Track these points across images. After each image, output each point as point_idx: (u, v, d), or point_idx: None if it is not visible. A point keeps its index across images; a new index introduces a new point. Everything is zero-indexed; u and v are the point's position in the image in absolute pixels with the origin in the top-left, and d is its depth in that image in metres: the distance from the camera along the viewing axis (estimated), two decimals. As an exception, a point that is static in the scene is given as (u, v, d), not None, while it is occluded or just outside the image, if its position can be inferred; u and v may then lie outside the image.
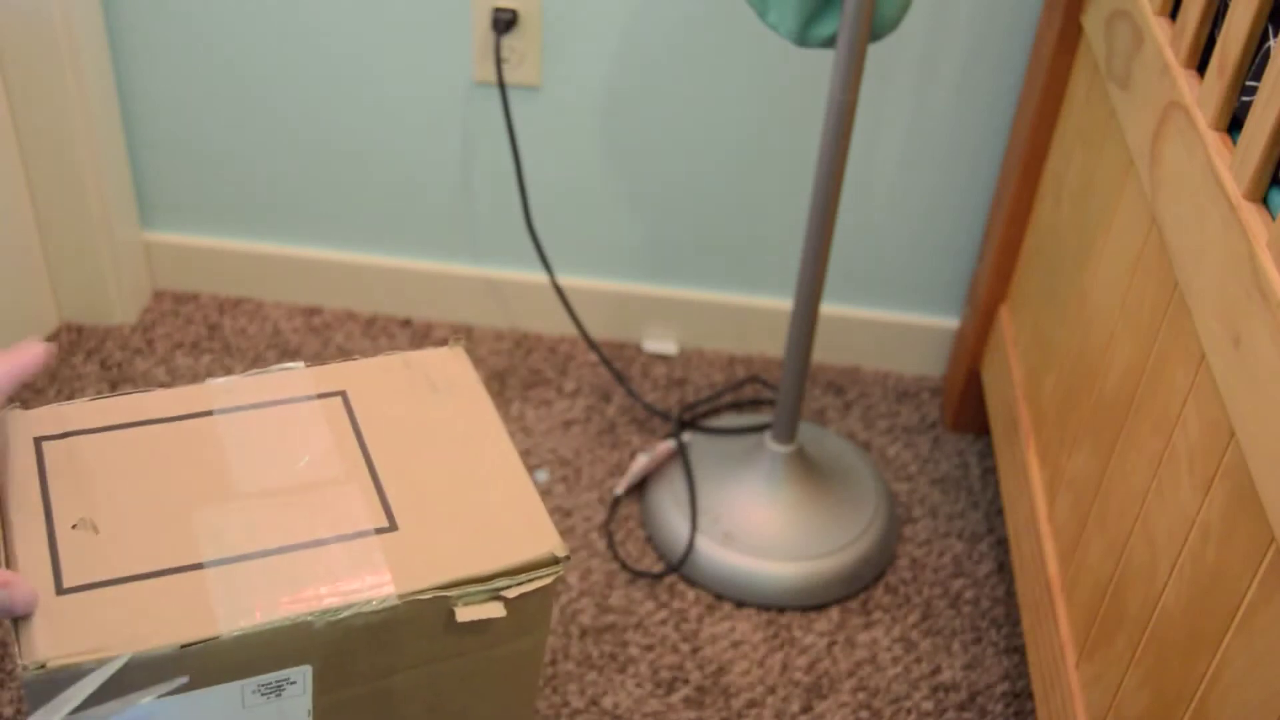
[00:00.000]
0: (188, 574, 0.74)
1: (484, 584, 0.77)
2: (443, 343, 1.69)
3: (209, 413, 0.85)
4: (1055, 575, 1.19)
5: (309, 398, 0.87)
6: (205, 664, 0.72)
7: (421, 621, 0.77)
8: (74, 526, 0.76)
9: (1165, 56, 1.02)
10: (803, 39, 1.18)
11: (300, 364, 0.90)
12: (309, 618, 0.73)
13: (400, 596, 0.75)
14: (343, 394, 0.88)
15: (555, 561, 0.79)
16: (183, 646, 0.71)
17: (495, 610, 0.77)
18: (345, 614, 0.74)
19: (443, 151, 1.60)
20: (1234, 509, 0.83)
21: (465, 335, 1.70)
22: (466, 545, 0.78)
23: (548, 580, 0.79)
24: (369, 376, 0.90)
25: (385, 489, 0.81)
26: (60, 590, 0.73)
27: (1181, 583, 0.90)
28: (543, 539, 0.79)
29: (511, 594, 0.77)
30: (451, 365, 0.91)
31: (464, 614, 0.77)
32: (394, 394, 0.88)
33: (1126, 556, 1.01)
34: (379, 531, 0.78)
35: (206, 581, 0.74)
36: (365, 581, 0.75)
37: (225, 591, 0.73)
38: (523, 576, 0.78)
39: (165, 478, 0.80)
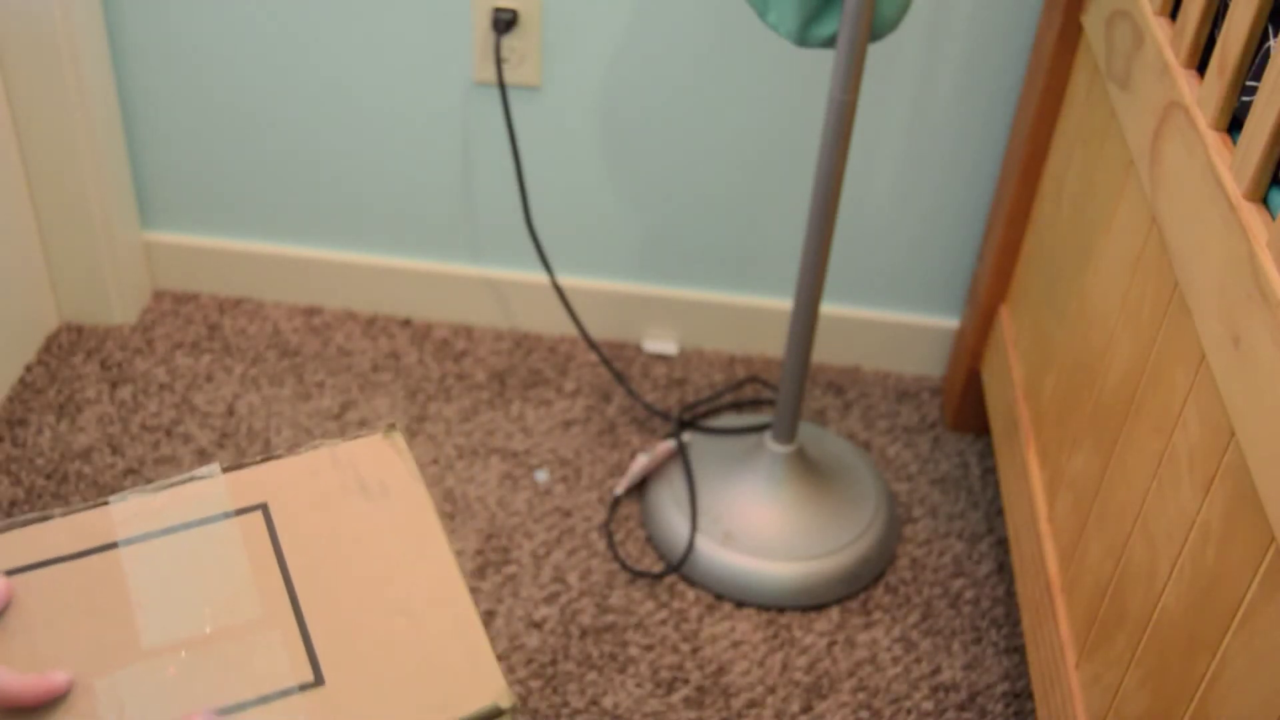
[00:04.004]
0: None
1: None
2: (442, 341, 1.69)
3: (114, 544, 0.77)
4: (1055, 575, 1.18)
5: (225, 515, 0.80)
6: None
7: None
8: None
9: (1165, 56, 1.02)
10: (803, 39, 1.18)
11: (215, 468, 0.82)
12: None
13: None
14: (263, 507, 0.80)
15: (499, 713, 0.72)
16: None
17: None
18: None
19: (443, 152, 1.60)
20: (1234, 509, 0.83)
21: (465, 335, 1.70)
22: (399, 699, 0.72)
23: None
24: (292, 481, 0.82)
25: (310, 631, 0.75)
26: None
27: (1181, 583, 0.90)
28: (485, 686, 0.73)
29: None
30: (386, 459, 0.83)
31: None
32: (320, 503, 0.81)
33: (1126, 556, 1.01)
34: (303, 688, 0.71)
35: None
36: None
37: None
38: None
39: (65, 637, 0.72)
